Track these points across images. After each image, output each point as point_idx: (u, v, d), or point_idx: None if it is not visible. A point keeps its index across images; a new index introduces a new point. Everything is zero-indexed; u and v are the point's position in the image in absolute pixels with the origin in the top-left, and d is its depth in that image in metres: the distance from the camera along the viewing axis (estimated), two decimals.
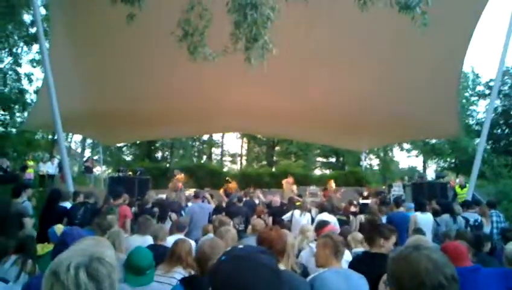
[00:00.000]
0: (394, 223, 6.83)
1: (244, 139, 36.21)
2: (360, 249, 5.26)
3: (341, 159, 34.53)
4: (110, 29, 8.34)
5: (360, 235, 5.45)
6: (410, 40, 8.68)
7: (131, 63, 9.83)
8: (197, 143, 36.78)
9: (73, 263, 1.21)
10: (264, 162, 34.39)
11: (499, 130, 30.61)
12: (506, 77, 28.78)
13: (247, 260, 1.17)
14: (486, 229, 7.56)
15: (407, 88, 10.45)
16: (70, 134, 26.53)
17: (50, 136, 25.86)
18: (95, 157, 24.81)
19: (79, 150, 34.14)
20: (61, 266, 1.20)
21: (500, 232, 6.47)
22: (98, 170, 22.50)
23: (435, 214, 8.27)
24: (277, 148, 34.15)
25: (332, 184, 14.76)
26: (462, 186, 13.82)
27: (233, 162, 38.38)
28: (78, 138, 31.51)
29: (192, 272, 3.41)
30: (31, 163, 17.45)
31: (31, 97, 23.33)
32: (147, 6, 4.51)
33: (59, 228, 4.63)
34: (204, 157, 37.23)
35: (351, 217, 9.51)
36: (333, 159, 35.80)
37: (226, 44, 4.09)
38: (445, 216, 7.92)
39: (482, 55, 48.26)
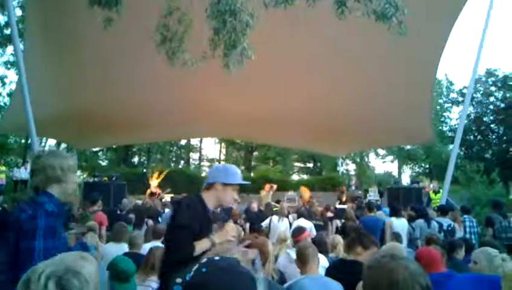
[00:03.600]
0: (366, 227, 6.94)
1: (223, 144, 36.10)
2: (334, 254, 5.31)
3: (318, 164, 34.78)
4: (87, 33, 8.21)
5: (336, 240, 5.50)
6: (385, 47, 8.83)
7: (107, 67, 9.70)
8: (175, 148, 36.46)
9: (45, 273, 1.19)
10: (242, 167, 34.38)
11: (472, 137, 31.43)
12: (478, 85, 29.57)
13: (229, 271, 1.17)
14: (459, 234, 7.72)
15: (382, 95, 10.60)
16: (44, 138, 25.93)
17: (23, 141, 25.22)
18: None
19: None
20: (34, 275, 1.19)
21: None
22: None
23: (410, 219, 8.41)
24: (255, 153, 34.18)
25: (306, 193, 14.71)
26: (436, 192, 14.11)
27: (211, 167, 38.14)
28: (52, 142, 30.85)
29: None
30: (3, 168, 17.02)
31: (4, 100, 22.78)
32: (125, 11, 4.46)
33: None
34: (182, 162, 36.94)
35: (323, 221, 9.60)
36: (311, 165, 36.04)
37: (204, 50, 4.08)
38: (420, 221, 8.06)
39: (455, 63, 49.47)
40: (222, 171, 2.95)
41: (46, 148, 29.89)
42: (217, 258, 1.26)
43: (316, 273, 3.31)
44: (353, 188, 13.79)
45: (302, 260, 3.32)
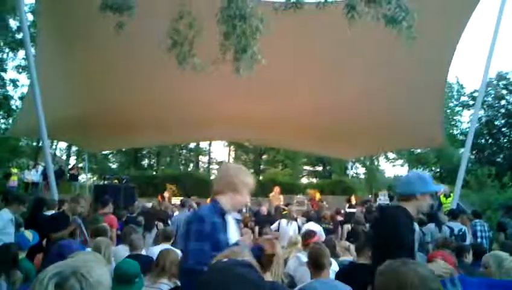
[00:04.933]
0: None
1: (232, 147, 36.16)
2: (346, 258, 5.29)
3: (328, 167, 34.65)
4: (98, 37, 8.29)
5: (347, 244, 5.48)
6: (395, 51, 8.80)
7: (118, 71, 9.78)
8: (184, 151, 36.58)
9: (49, 274, 1.21)
10: (251, 170, 34.36)
11: (483, 140, 31.12)
12: (489, 88, 29.30)
13: (228, 273, 1.18)
14: (468, 239, 7.65)
15: (393, 98, 10.55)
16: (55, 141, 26.18)
17: (35, 143, 25.49)
18: (80, 165, 24.49)
19: (64, 157, 33.71)
20: (41, 275, 1.21)
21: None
22: (83, 177, 22.24)
23: (421, 224, 8.34)
24: (264, 156, 34.18)
25: (317, 195, 14.70)
26: (446, 196, 13.97)
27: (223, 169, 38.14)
28: (63, 145, 31.14)
29: (178, 283, 3.40)
30: (15, 170, 17.20)
31: (16, 103, 23.04)
32: (136, 15, 4.51)
33: (28, 234, 4.61)
34: (191, 165, 37.05)
35: (333, 225, 9.56)
36: (320, 168, 35.90)
37: (215, 54, 4.11)
38: (431, 225, 8.00)
39: (466, 66, 49.03)
40: (418, 180, 2.92)
41: (57, 151, 30.17)
42: (224, 260, 1.28)
43: (327, 277, 3.30)
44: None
45: (316, 263, 3.28)
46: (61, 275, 1.21)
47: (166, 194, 15.16)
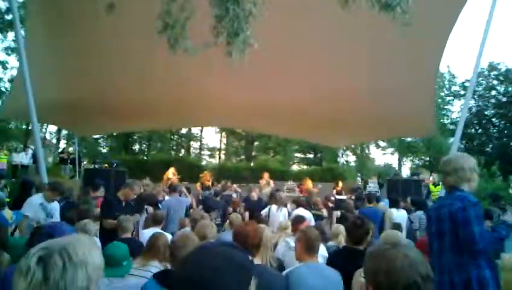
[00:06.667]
0: (366, 217, 6.97)
1: (223, 133, 36.12)
2: (332, 243, 5.36)
3: (319, 155, 34.80)
4: (88, 19, 8.17)
5: (338, 230, 5.54)
6: (389, 39, 8.79)
7: (108, 53, 9.66)
8: (176, 136, 36.46)
9: (36, 248, 1.23)
10: (243, 157, 34.40)
11: (473, 130, 31.40)
12: (481, 78, 29.47)
13: (209, 255, 1.19)
14: None
15: (384, 87, 10.56)
16: (45, 124, 25.92)
17: (24, 126, 25.24)
18: (70, 149, 24.32)
19: (54, 141, 33.45)
20: (31, 250, 1.24)
21: None
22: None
23: (408, 211, 8.46)
24: (256, 143, 34.20)
25: (309, 183, 14.81)
26: (435, 184, 14.15)
27: (211, 156, 38.23)
28: (53, 128, 30.87)
29: (168, 266, 3.41)
30: (4, 153, 17.05)
31: (5, 85, 22.73)
32: None
33: (8, 213, 4.61)
34: (183, 150, 36.98)
35: (327, 212, 9.65)
36: (311, 155, 36.05)
37: (206, 37, 4.07)
38: (419, 213, 8.11)
39: (458, 56, 49.20)
40: None
41: (47, 135, 29.89)
42: (210, 241, 1.29)
43: (315, 261, 3.33)
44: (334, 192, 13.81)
45: (307, 246, 3.29)
46: (47, 251, 1.22)
47: (172, 176, 14.97)
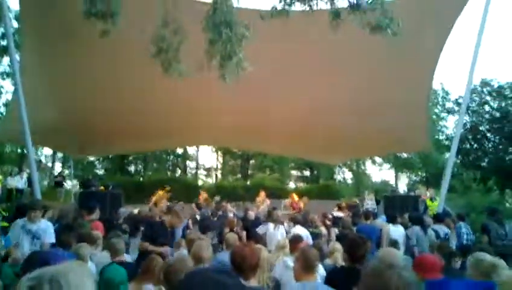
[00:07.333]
0: (363, 234, 6.95)
1: (219, 152, 36.08)
2: (331, 261, 5.33)
3: (315, 172, 34.77)
4: (83, 42, 8.25)
5: (335, 247, 5.52)
6: (381, 57, 8.92)
7: (103, 76, 9.72)
8: (171, 156, 36.37)
9: (27, 277, 1.22)
10: (239, 176, 34.33)
11: (468, 145, 31.51)
12: (474, 94, 29.76)
13: (200, 282, 1.19)
14: (452, 242, 7.74)
15: (379, 104, 10.65)
16: (41, 147, 25.84)
17: (19, 150, 25.14)
18: (66, 172, 24.18)
19: (49, 164, 33.29)
20: (24, 279, 1.23)
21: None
22: (68, 184, 21.95)
23: (405, 227, 8.44)
24: (252, 161, 34.18)
25: (295, 197, 14.80)
26: (432, 199, 14.13)
27: (208, 175, 38.12)
28: (48, 151, 30.74)
29: (163, 289, 3.38)
30: None
31: (0, 110, 22.74)
32: (121, 23, 4.49)
33: None
34: (179, 171, 36.85)
35: (325, 230, 9.59)
36: (307, 173, 36.01)
37: (200, 60, 4.12)
38: (416, 228, 8.09)
39: (451, 73, 49.76)
40: None
41: (43, 158, 29.77)
42: (203, 266, 1.31)
43: (313, 280, 3.31)
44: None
45: (306, 265, 3.28)
46: (37, 280, 1.21)
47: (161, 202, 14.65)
